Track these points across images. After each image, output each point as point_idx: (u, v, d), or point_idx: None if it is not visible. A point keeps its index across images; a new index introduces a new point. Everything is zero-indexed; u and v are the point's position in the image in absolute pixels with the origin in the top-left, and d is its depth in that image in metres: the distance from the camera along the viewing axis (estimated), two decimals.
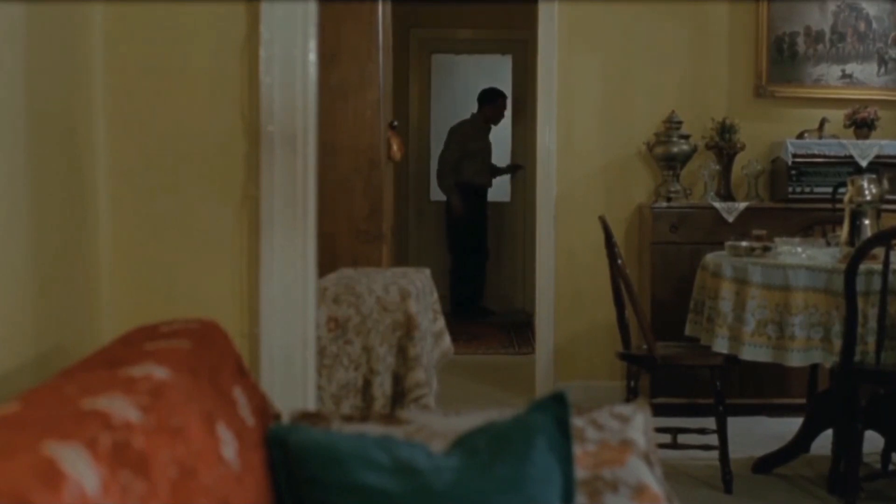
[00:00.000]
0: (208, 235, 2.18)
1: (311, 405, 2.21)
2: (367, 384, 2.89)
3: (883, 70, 5.02)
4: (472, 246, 7.84)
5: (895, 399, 3.54)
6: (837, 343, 3.24)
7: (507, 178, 8.28)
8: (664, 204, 4.72)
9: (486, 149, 7.78)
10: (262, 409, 1.68)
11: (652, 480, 1.68)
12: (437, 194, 8.01)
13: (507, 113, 8.17)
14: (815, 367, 3.83)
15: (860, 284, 3.19)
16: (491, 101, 7.76)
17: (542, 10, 4.92)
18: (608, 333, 4.64)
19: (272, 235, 2.16)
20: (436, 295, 3.53)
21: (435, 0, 7.82)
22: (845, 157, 4.67)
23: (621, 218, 4.95)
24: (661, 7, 4.95)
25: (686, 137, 4.83)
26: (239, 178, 2.17)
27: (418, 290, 3.07)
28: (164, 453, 1.16)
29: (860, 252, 3.17)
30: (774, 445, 3.88)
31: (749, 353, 3.40)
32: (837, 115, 4.84)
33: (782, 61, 4.98)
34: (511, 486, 1.46)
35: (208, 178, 2.18)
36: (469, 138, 7.68)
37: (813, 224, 4.39)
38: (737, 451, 3.79)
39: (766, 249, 3.58)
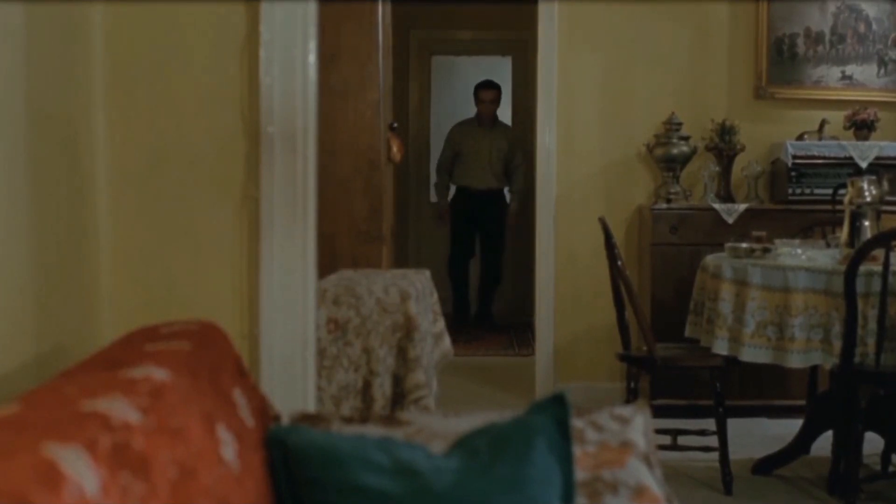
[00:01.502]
0: (208, 236, 2.18)
1: (311, 406, 2.21)
2: (367, 385, 2.89)
3: (883, 71, 5.02)
4: (463, 250, 7.53)
5: (895, 400, 3.54)
6: (837, 344, 3.24)
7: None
8: (664, 205, 4.72)
9: (477, 150, 7.35)
10: (262, 410, 1.68)
11: (652, 482, 1.68)
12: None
13: (507, 113, 8.12)
14: (814, 369, 3.83)
15: (860, 286, 3.19)
16: (474, 96, 7.43)
17: (542, 11, 4.92)
18: (608, 335, 4.64)
19: (272, 236, 2.15)
20: (436, 296, 3.53)
21: (435, 0, 7.81)
22: (845, 158, 4.67)
23: (621, 219, 4.95)
24: (660, 7, 4.95)
25: (686, 139, 4.83)
26: (239, 179, 2.17)
27: (418, 292, 3.07)
28: (164, 454, 1.16)
29: (860, 253, 3.17)
30: (774, 447, 3.88)
31: (749, 355, 3.40)
32: (837, 117, 4.84)
33: (782, 62, 4.98)
34: (511, 487, 1.46)
35: (208, 179, 2.17)
36: (459, 139, 7.39)
37: (813, 225, 4.39)
38: (737, 453, 3.79)
39: (765, 251, 3.58)
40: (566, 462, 1.55)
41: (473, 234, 7.50)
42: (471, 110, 7.63)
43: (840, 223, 3.70)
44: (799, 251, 3.55)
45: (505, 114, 8.12)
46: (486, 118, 7.38)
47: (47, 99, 1.83)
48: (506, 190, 7.53)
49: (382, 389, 2.88)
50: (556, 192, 4.97)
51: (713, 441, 3.68)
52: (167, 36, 2.16)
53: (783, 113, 5.00)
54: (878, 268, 3.18)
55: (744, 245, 3.65)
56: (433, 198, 7.97)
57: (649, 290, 4.64)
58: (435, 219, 7.82)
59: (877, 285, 3.19)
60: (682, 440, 3.81)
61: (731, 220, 4.60)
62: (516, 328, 7.46)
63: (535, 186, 5.10)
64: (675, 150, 4.79)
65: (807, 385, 3.98)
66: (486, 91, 7.35)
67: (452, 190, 7.55)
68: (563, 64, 4.93)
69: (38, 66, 1.77)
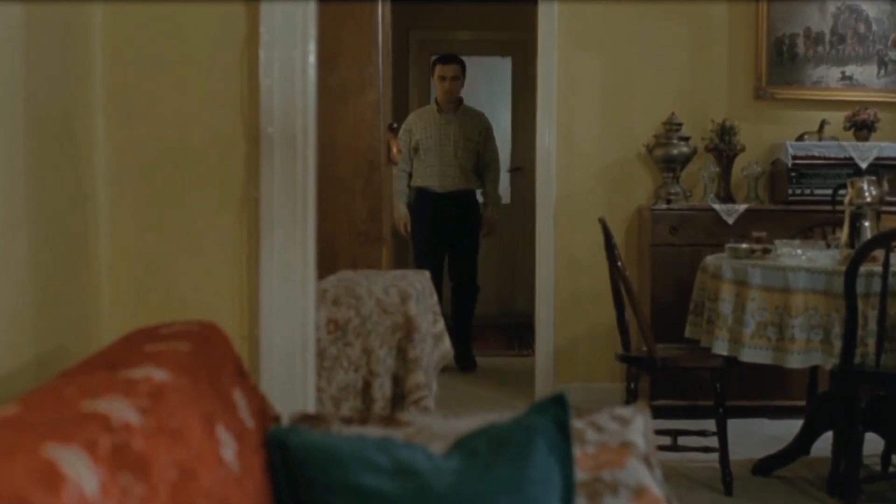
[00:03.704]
0: (208, 237, 2.18)
1: (311, 407, 2.21)
2: (367, 386, 2.88)
3: (883, 72, 5.02)
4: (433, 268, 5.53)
5: (895, 401, 3.54)
6: (837, 345, 3.24)
7: (506, 179, 8.24)
8: (664, 206, 4.72)
9: (438, 143, 5.85)
10: (262, 411, 1.68)
11: (652, 482, 1.68)
12: None
13: (507, 113, 8.11)
14: (815, 369, 3.83)
15: (860, 286, 3.19)
16: (431, 76, 6.10)
17: (542, 11, 4.92)
18: (608, 335, 4.64)
19: (272, 237, 2.15)
20: (435, 297, 3.53)
21: (435, 0, 7.81)
22: (845, 158, 4.67)
23: (621, 220, 4.95)
24: (661, 8, 4.95)
25: (686, 139, 4.83)
26: (239, 180, 2.17)
27: (418, 293, 3.06)
28: (164, 455, 1.16)
29: (860, 254, 3.16)
30: (774, 447, 3.87)
31: (749, 355, 3.40)
32: (837, 117, 4.84)
33: (782, 63, 4.98)
34: (511, 488, 1.46)
35: (208, 180, 2.17)
36: (415, 130, 5.93)
37: (813, 226, 4.39)
38: (737, 453, 3.79)
39: (765, 251, 3.58)
40: (566, 463, 1.55)
41: (440, 249, 5.92)
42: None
43: (840, 224, 3.70)
44: (799, 252, 3.55)
45: (505, 114, 8.11)
46: (446, 101, 5.95)
47: (47, 99, 1.83)
48: (479, 192, 6.05)
49: (382, 390, 2.88)
50: (556, 192, 4.96)
51: (713, 442, 3.68)
52: (167, 36, 2.16)
53: (783, 113, 5.00)
54: (878, 268, 3.18)
55: (744, 245, 3.66)
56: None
57: (649, 291, 4.64)
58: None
59: (877, 286, 3.18)
60: (682, 441, 3.81)
61: (731, 221, 4.60)
62: (516, 328, 7.45)
63: (534, 187, 5.10)
64: (674, 151, 4.79)
65: (807, 385, 3.98)
66: (444, 66, 5.94)
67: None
68: (563, 64, 4.94)
69: (38, 66, 1.77)
